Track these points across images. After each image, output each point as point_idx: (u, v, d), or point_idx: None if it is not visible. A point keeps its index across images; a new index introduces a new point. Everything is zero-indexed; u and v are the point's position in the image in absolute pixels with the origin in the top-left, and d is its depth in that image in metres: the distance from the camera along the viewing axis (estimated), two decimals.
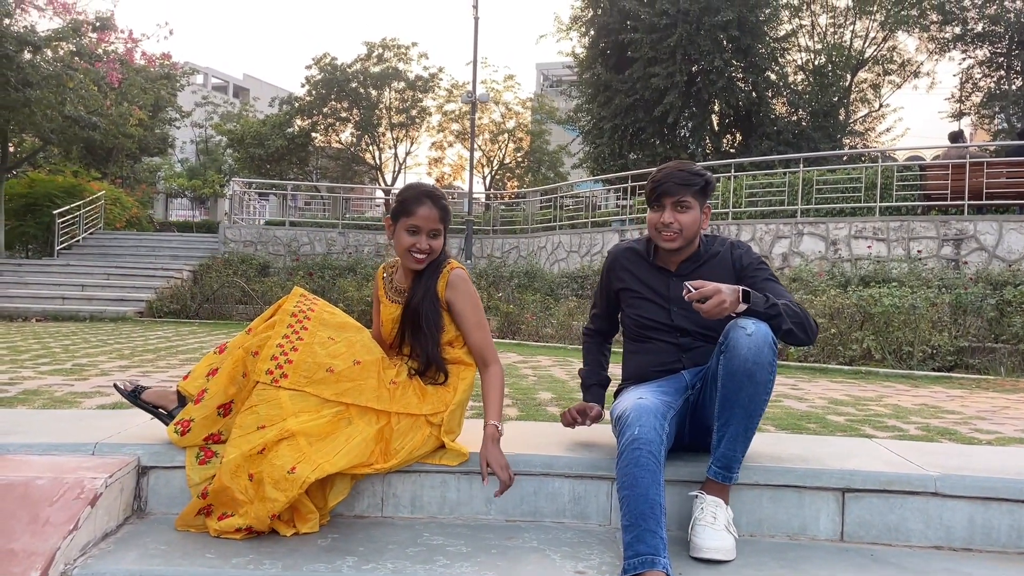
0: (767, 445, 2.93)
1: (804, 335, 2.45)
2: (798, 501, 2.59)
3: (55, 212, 17.44)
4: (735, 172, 13.78)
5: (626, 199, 15.89)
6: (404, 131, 31.99)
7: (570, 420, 2.84)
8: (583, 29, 22.32)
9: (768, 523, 2.59)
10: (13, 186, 19.38)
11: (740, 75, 20.93)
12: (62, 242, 17.44)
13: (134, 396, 2.84)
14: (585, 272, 12.19)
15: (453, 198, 28.17)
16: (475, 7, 17.68)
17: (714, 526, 2.34)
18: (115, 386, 2.93)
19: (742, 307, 2.35)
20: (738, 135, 22.29)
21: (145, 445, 2.75)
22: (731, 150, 21.65)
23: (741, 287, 2.37)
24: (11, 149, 19.20)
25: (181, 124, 31.69)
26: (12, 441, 2.76)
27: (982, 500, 2.52)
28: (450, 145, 34.08)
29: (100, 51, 16.92)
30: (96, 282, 13.54)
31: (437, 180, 35.75)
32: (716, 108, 21.65)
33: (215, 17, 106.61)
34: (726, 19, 19.06)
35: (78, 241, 18.08)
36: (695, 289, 2.32)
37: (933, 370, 6.89)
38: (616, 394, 2.83)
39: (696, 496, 2.43)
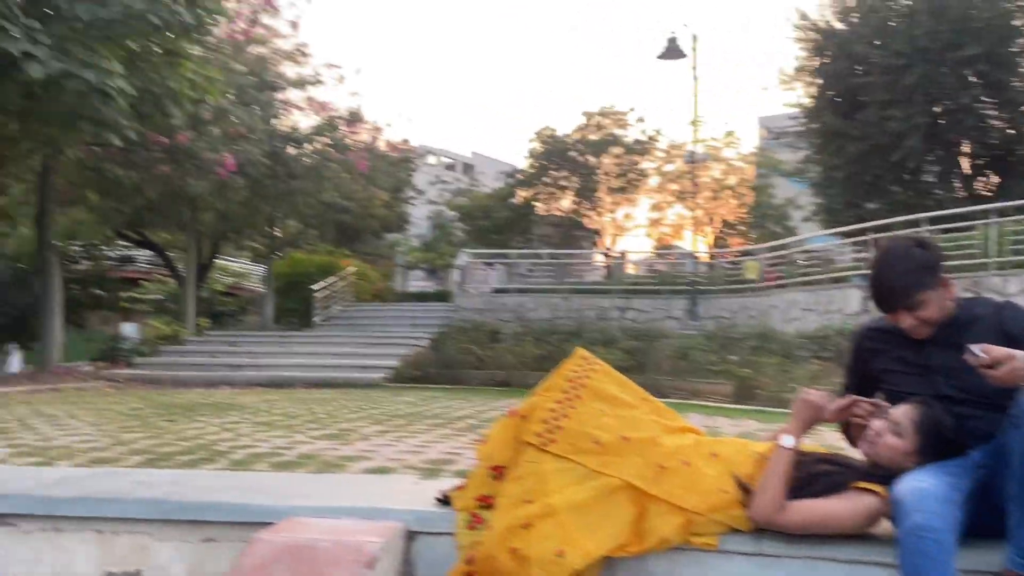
0: None
1: None
2: None
3: (312, 288, 19.44)
4: (993, 218, 12.40)
5: (865, 252, 14.84)
6: (623, 194, 32.35)
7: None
8: (809, 78, 21.51)
9: None
10: (279, 266, 21.92)
11: (994, 112, 19.02)
12: (319, 314, 19.35)
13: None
14: (826, 332, 11.44)
15: (674, 259, 27.87)
16: (694, 68, 17.69)
17: None
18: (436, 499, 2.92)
19: None
20: (995, 177, 20.15)
21: (412, 511, 2.90)
22: (987, 193, 19.59)
23: None
24: (279, 234, 21.80)
25: (417, 202, 34.27)
26: (296, 504, 3.03)
27: None
28: (669, 205, 33.92)
29: (349, 142, 18.85)
30: (348, 351, 14.80)
31: (657, 241, 35.62)
32: (967, 149, 19.78)
33: (447, 102, 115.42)
34: (972, 53, 17.51)
35: (332, 314, 19.95)
36: (982, 353, 2.10)
37: None
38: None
39: None
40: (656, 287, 20.28)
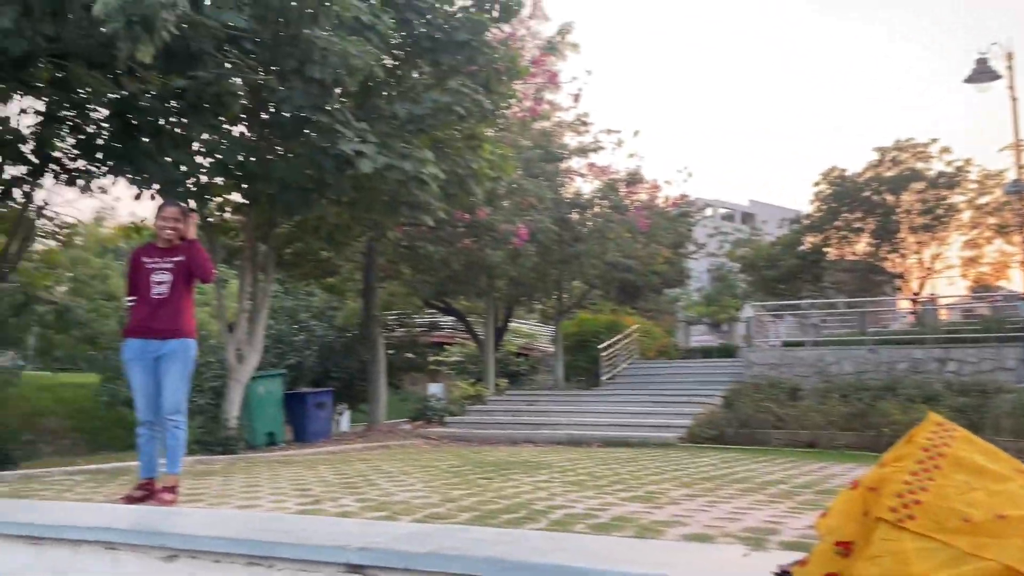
0: None
1: None
2: None
3: (599, 347, 19.83)
4: None
5: None
6: (929, 233, 29.32)
7: None
8: None
9: None
10: (566, 326, 22.74)
11: None
12: (606, 373, 19.65)
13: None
14: None
15: (999, 302, 24.49)
16: (1010, 87, 15.71)
17: None
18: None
19: None
20: None
21: None
22: None
23: None
24: (564, 296, 22.66)
25: (697, 255, 33.91)
26: (629, 570, 3.00)
27: None
28: (988, 241, 30.06)
29: (628, 202, 19.24)
30: (639, 409, 14.82)
31: (974, 282, 31.64)
32: None
33: (722, 152, 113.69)
34: None
35: (619, 371, 20.17)
36: None
37: None
38: None
39: None
40: (980, 335, 17.93)
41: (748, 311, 22.22)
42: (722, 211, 55.89)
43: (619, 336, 20.87)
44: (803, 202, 49.03)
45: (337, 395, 17.67)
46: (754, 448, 11.59)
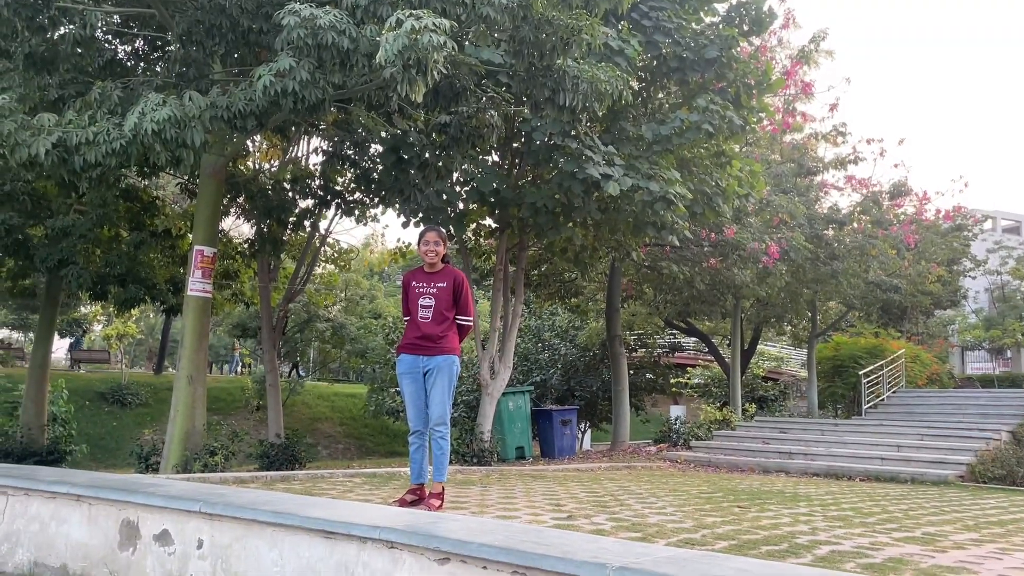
0: None
1: None
2: None
3: (860, 372, 18.36)
4: None
5: None
6: None
7: None
8: None
9: None
10: (821, 350, 21.34)
11: None
12: (868, 401, 18.13)
13: None
14: None
15: None
16: None
17: None
18: None
19: None
20: None
21: None
22: None
23: None
24: (818, 317, 21.31)
25: (976, 274, 30.48)
26: None
27: None
28: None
29: (891, 216, 17.74)
30: (909, 442, 13.51)
31: None
32: None
33: (1002, 159, 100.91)
34: None
35: (882, 400, 18.53)
36: None
37: None
38: None
39: None
40: None
41: None
42: (1005, 223, 49.72)
43: (882, 361, 19.20)
44: None
45: (579, 413, 17.93)
46: None
